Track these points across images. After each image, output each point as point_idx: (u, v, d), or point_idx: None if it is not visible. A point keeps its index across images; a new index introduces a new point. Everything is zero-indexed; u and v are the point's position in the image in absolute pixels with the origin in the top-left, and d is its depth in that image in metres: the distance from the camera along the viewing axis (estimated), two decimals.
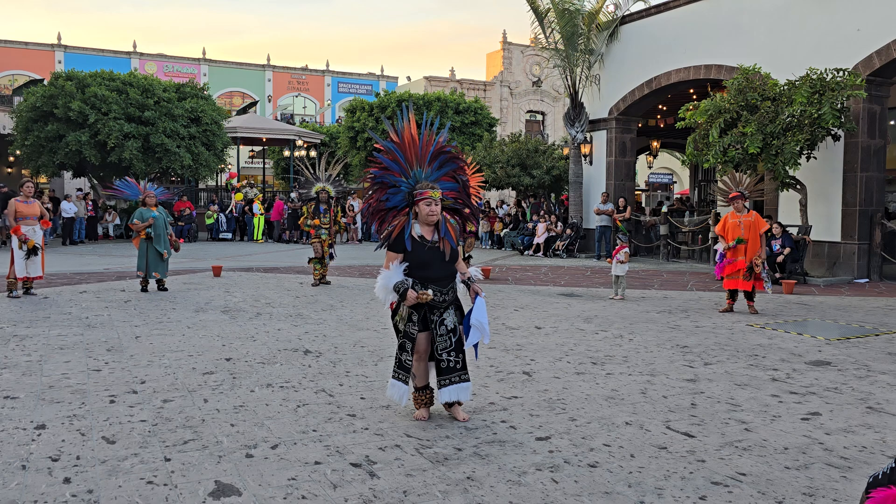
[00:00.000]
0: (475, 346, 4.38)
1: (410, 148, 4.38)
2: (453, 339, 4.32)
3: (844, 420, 4.53)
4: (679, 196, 27.98)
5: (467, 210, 4.65)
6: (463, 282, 4.43)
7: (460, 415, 4.39)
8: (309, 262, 11.69)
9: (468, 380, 4.40)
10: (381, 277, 4.27)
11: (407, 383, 4.34)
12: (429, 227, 4.35)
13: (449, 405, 4.41)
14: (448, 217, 4.47)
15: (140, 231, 10.26)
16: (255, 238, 23.42)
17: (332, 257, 11.64)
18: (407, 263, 4.26)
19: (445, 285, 4.35)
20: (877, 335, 7.52)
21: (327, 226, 11.57)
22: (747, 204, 9.33)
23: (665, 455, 3.86)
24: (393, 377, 4.38)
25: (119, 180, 11.42)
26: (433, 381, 4.44)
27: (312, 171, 12.05)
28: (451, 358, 4.31)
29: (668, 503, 3.26)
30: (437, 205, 4.28)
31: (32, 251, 9.62)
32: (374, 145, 4.53)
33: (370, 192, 4.52)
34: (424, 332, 4.36)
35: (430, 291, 4.25)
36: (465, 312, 4.37)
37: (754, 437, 4.16)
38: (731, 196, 9.18)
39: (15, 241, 9.59)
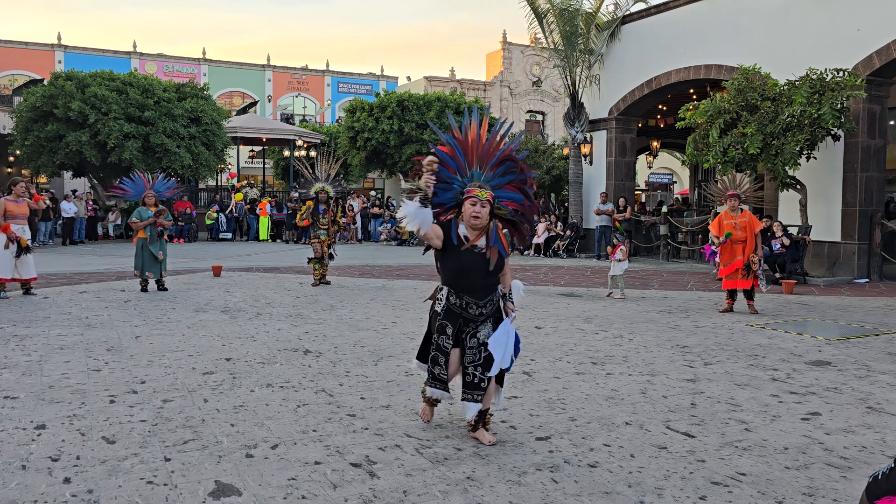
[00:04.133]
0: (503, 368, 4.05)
1: (473, 148, 4.05)
2: (482, 354, 4.00)
3: (844, 420, 4.53)
4: (678, 196, 27.95)
5: (525, 226, 4.24)
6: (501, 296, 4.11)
7: (485, 438, 4.01)
8: (309, 262, 11.69)
9: (480, 401, 4.05)
10: (405, 204, 3.89)
11: (445, 390, 4.10)
12: (475, 231, 3.97)
13: (472, 426, 4.07)
14: (500, 226, 4.08)
15: (139, 230, 10.27)
16: (261, 238, 23.44)
17: (331, 257, 11.65)
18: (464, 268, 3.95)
19: (483, 297, 4.01)
20: (877, 335, 7.52)
21: (326, 226, 11.56)
22: (743, 206, 9.27)
23: (665, 455, 3.86)
24: (428, 385, 4.14)
25: (125, 178, 11.35)
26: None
27: (312, 171, 12.05)
28: (477, 374, 3.99)
29: (668, 503, 3.26)
30: (483, 207, 3.91)
31: (25, 250, 9.54)
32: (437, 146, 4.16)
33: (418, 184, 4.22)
34: (457, 348, 4.07)
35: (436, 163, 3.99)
36: (493, 333, 4.05)
37: (754, 437, 4.16)
38: (727, 195, 9.16)
39: (1, 241, 9.42)
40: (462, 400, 4.07)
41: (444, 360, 4.04)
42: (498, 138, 4.07)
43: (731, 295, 9.11)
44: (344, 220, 12.72)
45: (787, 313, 9.01)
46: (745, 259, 8.93)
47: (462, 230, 3.98)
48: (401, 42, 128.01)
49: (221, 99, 37.17)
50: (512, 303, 4.11)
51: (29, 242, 9.70)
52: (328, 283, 11.47)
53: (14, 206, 9.67)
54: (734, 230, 8.95)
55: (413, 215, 3.85)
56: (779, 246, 12.48)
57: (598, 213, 17.52)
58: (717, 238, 9.07)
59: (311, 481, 3.45)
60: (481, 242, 3.96)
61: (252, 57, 77.62)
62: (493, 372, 4.00)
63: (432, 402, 4.29)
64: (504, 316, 4.09)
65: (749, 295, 9.06)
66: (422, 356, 4.33)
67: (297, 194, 19.36)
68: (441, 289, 4.10)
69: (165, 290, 10.30)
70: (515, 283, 4.19)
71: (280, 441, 3.99)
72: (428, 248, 4.19)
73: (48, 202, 20.32)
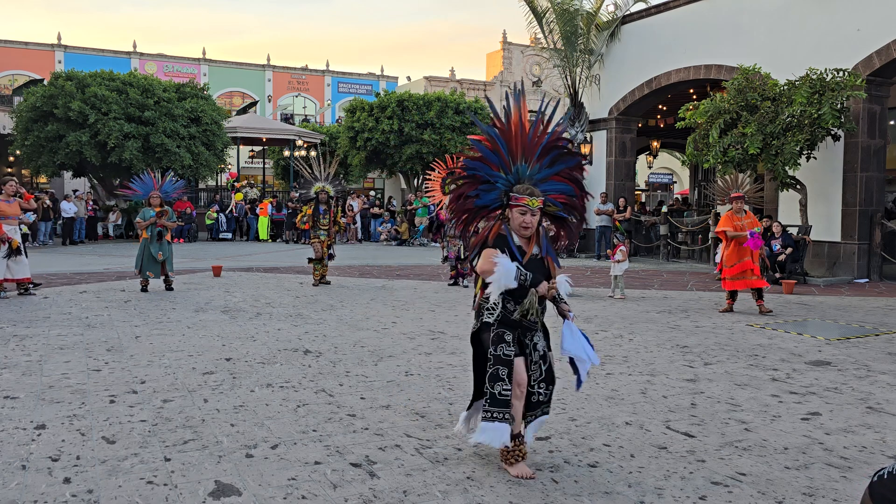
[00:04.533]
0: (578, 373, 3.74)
1: (517, 137, 3.59)
2: (543, 368, 3.60)
3: (844, 420, 4.53)
4: (678, 196, 27.95)
5: (575, 223, 3.79)
6: (549, 299, 3.64)
7: (524, 472, 3.55)
8: (309, 263, 11.70)
9: (548, 412, 3.70)
10: (498, 266, 3.39)
11: (509, 422, 3.46)
12: (523, 238, 3.61)
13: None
14: (547, 228, 3.70)
15: (142, 230, 10.29)
16: (260, 238, 23.44)
17: (331, 257, 11.65)
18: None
19: (542, 302, 3.59)
20: (877, 335, 7.52)
21: (326, 227, 11.55)
22: (746, 207, 9.29)
23: (665, 455, 3.86)
24: (484, 419, 3.46)
25: (135, 177, 11.34)
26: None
27: (311, 171, 12.03)
28: (541, 390, 3.59)
29: (668, 503, 3.26)
30: (533, 216, 3.51)
31: (16, 251, 9.43)
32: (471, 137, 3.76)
33: (459, 185, 3.73)
34: (521, 356, 3.55)
35: (555, 286, 3.59)
36: (561, 342, 3.70)
37: (754, 437, 4.16)
38: (732, 196, 9.12)
39: None
40: (527, 424, 3.59)
41: (506, 373, 3.46)
42: (543, 125, 3.61)
43: (732, 295, 9.09)
44: (344, 220, 12.69)
45: (787, 313, 9.01)
46: (754, 260, 8.88)
47: (516, 239, 3.58)
48: (401, 42, 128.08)
49: (221, 99, 37.16)
50: (565, 303, 3.70)
51: (20, 244, 9.57)
52: (328, 283, 11.47)
53: (6, 206, 9.51)
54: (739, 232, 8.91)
55: (507, 274, 3.40)
56: (778, 247, 12.48)
57: (599, 213, 17.52)
58: (742, 232, 8.89)
59: (311, 481, 3.45)
60: (536, 250, 3.59)
61: (252, 57, 77.69)
62: (585, 373, 3.69)
63: (519, 457, 3.51)
64: (562, 318, 3.71)
65: (759, 294, 8.97)
66: (477, 395, 3.69)
67: (297, 194, 19.32)
68: (487, 298, 3.55)
69: (171, 289, 10.29)
70: (560, 279, 3.68)
71: (280, 441, 3.99)
72: (475, 254, 3.66)
73: (48, 202, 20.34)
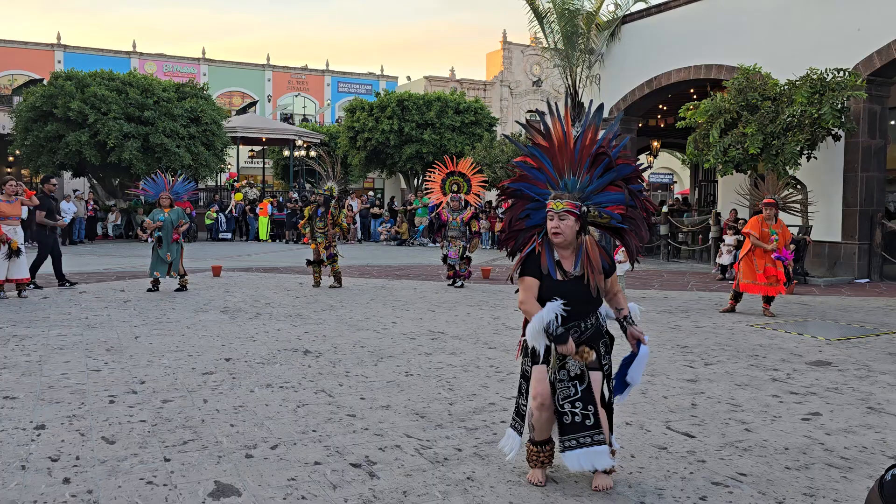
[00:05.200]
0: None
1: (562, 151, 3.43)
2: (580, 388, 3.31)
3: (845, 420, 4.52)
4: (679, 196, 27.96)
5: (634, 233, 3.51)
6: (618, 320, 3.50)
7: (602, 483, 3.35)
8: (308, 265, 11.32)
9: (603, 441, 3.29)
10: (535, 317, 3.27)
11: (520, 432, 3.51)
12: (565, 250, 3.41)
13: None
14: (593, 240, 3.46)
15: (150, 230, 10.32)
16: (261, 238, 23.44)
17: (334, 258, 11.09)
18: (562, 301, 3.30)
19: (584, 323, 3.40)
20: (877, 335, 7.51)
21: (323, 229, 11.11)
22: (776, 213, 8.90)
23: (665, 455, 3.86)
24: (511, 425, 3.60)
25: (146, 178, 11.39)
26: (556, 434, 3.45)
27: (326, 169, 11.62)
28: (577, 410, 3.30)
29: (669, 503, 3.26)
30: (561, 220, 3.31)
31: (15, 253, 9.32)
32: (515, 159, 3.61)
33: (508, 208, 3.62)
34: (543, 365, 3.37)
35: (593, 353, 3.37)
36: (623, 361, 3.53)
37: (755, 438, 4.16)
38: (764, 202, 8.82)
39: None
40: (562, 451, 3.35)
41: (525, 388, 3.45)
42: (591, 134, 3.41)
43: (737, 297, 9.01)
44: (345, 221, 12.18)
45: (787, 313, 9.01)
46: (774, 269, 8.63)
47: (556, 255, 3.41)
48: (401, 42, 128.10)
49: (221, 99, 37.14)
50: (636, 326, 3.51)
51: (20, 245, 9.48)
52: (338, 286, 10.96)
53: (7, 207, 9.39)
54: (767, 240, 8.64)
55: (537, 331, 3.27)
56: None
57: None
58: (771, 244, 8.58)
59: (311, 482, 3.44)
60: (578, 268, 3.38)
61: (252, 57, 77.73)
62: (622, 398, 3.57)
63: (538, 463, 3.46)
64: (632, 344, 3.54)
65: (769, 300, 8.83)
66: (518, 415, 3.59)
67: (297, 194, 19.24)
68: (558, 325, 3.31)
69: (179, 289, 10.25)
70: (633, 307, 3.55)
71: (280, 441, 3.98)
72: (516, 274, 3.53)
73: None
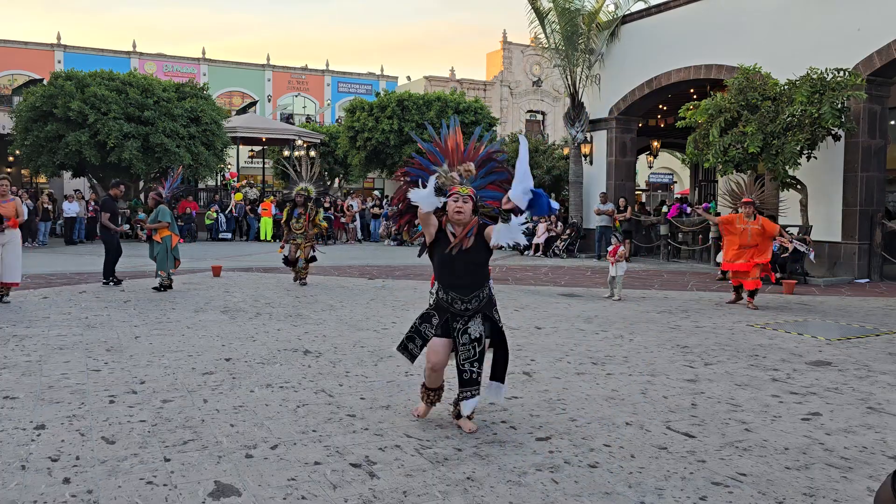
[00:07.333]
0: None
1: (454, 153, 4.42)
2: (477, 349, 4.13)
3: (845, 420, 4.53)
4: (679, 196, 27.94)
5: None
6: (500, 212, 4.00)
7: (466, 425, 4.21)
8: (286, 265, 11.56)
9: (479, 392, 4.22)
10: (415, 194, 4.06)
11: (409, 352, 4.28)
12: (459, 226, 4.12)
13: (457, 413, 4.28)
14: (483, 222, 4.23)
15: (147, 230, 10.37)
16: (263, 238, 23.42)
17: (312, 259, 11.41)
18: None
19: (468, 294, 4.12)
20: (877, 335, 7.51)
21: (301, 230, 11.28)
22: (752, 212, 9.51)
23: (665, 455, 3.86)
24: (399, 346, 4.35)
25: (164, 179, 11.52)
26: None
27: (297, 171, 11.92)
28: (475, 370, 4.12)
29: (669, 503, 3.26)
30: (465, 202, 4.04)
31: None
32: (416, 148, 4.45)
33: (403, 188, 4.51)
34: (445, 337, 4.19)
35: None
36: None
37: (755, 438, 4.16)
38: (743, 201, 9.41)
39: None
40: (460, 399, 4.19)
41: (419, 343, 4.23)
42: (475, 144, 4.47)
43: (737, 289, 9.49)
44: (323, 222, 12.37)
45: (787, 313, 9.01)
46: (752, 264, 9.20)
47: (449, 228, 4.15)
48: (401, 42, 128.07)
49: (221, 99, 37.11)
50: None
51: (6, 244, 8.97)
52: (304, 284, 11.22)
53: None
54: (745, 237, 9.25)
55: (425, 198, 4.01)
56: (777, 247, 12.46)
57: (599, 213, 17.52)
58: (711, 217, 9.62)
59: (311, 482, 3.44)
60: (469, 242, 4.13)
61: (252, 57, 77.73)
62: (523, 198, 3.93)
63: (427, 401, 4.39)
64: (492, 314, 4.23)
65: (751, 293, 9.33)
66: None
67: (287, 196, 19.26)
68: (434, 285, 4.31)
69: (157, 289, 10.13)
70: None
71: (280, 441, 3.99)
72: (424, 248, 4.35)
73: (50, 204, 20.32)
